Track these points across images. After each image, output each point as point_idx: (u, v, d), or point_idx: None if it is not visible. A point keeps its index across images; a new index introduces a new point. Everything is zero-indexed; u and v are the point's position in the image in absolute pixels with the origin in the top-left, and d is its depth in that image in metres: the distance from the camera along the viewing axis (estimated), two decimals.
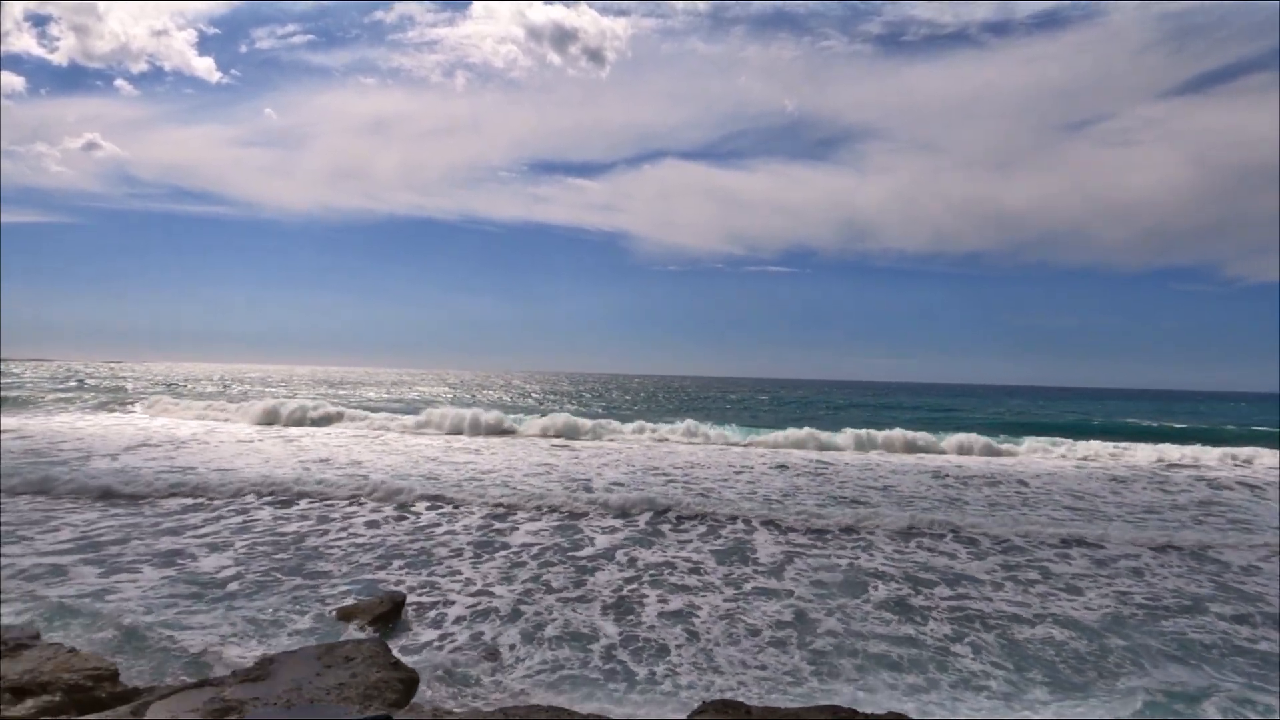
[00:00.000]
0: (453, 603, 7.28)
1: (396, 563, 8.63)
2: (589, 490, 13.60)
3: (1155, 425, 34.87)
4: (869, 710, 4.06)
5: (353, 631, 6.36)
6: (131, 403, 33.69)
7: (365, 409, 33.17)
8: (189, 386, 55.91)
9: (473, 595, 7.49)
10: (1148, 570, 8.93)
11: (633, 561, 8.91)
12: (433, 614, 6.96)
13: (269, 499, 11.79)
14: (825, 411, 46.62)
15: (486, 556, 9.04)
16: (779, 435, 22.65)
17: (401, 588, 7.63)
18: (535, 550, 9.35)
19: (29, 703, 4.23)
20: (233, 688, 4.42)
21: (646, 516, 11.29)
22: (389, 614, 6.68)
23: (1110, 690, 5.44)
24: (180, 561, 8.33)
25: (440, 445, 21.20)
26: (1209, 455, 20.30)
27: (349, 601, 7.14)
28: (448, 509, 11.54)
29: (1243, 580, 8.61)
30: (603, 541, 9.85)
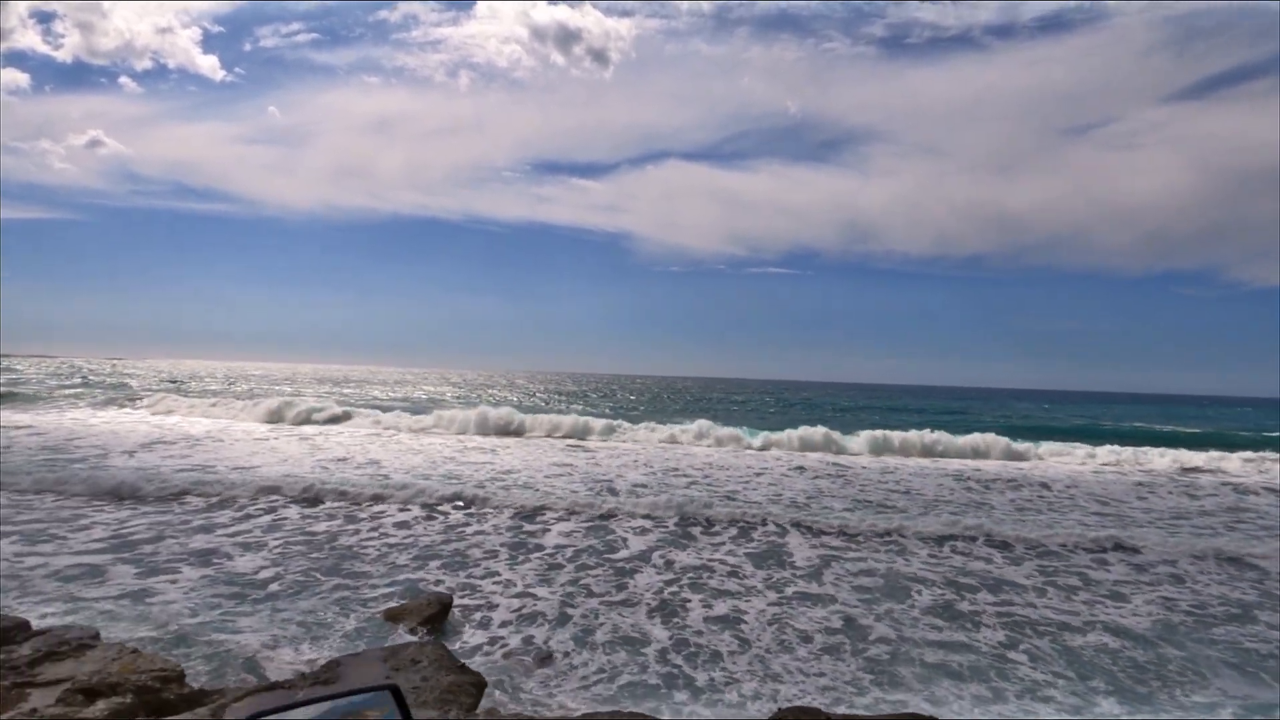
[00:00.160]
0: (496, 605, 7.22)
1: (433, 564, 8.57)
2: (614, 492, 13.55)
3: (1168, 430, 34.77)
4: (948, 719, 4.00)
5: (401, 633, 6.30)
6: (138, 399, 33.59)
7: (374, 408, 33.13)
8: (193, 384, 55.87)
9: (515, 597, 7.43)
10: (1189, 577, 8.87)
11: (669, 564, 8.85)
12: (478, 616, 6.91)
13: (294, 498, 11.72)
14: (832, 414, 46.48)
15: (522, 558, 8.98)
16: (794, 436, 22.53)
17: (441, 589, 7.57)
18: (570, 552, 9.29)
19: (100, 705, 4.17)
20: (308, 689, 4.37)
21: (676, 518, 11.23)
22: (437, 616, 6.61)
23: (1175, 700, 5.38)
24: (216, 561, 8.27)
25: (454, 445, 21.14)
26: (1230, 461, 20.20)
27: (394, 603, 7.08)
28: (475, 509, 11.48)
29: None
30: (636, 543, 9.79)
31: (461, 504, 11.73)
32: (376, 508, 11.35)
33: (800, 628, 6.70)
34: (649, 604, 7.34)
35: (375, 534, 9.92)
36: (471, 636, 6.37)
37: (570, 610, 7.04)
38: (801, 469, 17.83)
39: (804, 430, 22.41)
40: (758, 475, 16.55)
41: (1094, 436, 29.89)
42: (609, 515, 11.29)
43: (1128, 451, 20.99)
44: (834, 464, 19.21)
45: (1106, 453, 20.58)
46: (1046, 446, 21.39)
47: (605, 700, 5.13)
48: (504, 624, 6.74)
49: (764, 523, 11.09)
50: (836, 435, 22.25)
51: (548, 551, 9.31)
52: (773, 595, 7.74)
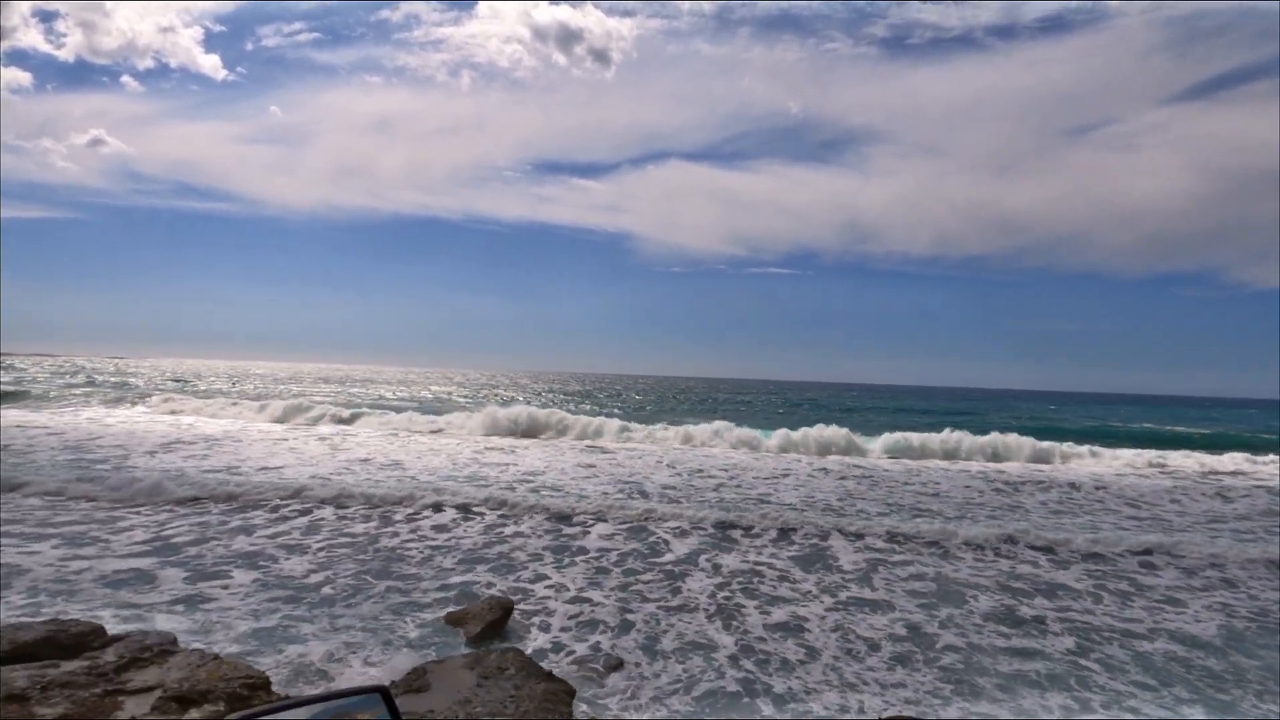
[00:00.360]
0: (553, 610, 7.14)
1: (480, 567, 8.49)
2: (644, 494, 13.48)
3: (1178, 431, 34.69)
4: None
5: (464, 638, 6.23)
6: (146, 399, 33.42)
7: (384, 408, 33.03)
8: (198, 383, 55.78)
9: (570, 602, 7.35)
10: (1241, 583, 8.80)
11: (717, 568, 8.78)
12: (537, 620, 6.83)
13: (326, 500, 11.60)
14: (839, 414, 46.36)
15: (568, 561, 8.91)
16: (812, 437, 22.44)
17: (494, 592, 7.49)
18: (614, 555, 9.22)
19: (194, 713, 4.10)
20: (402, 696, 4.30)
21: (713, 520, 11.14)
22: (499, 621, 6.53)
23: (1262, 710, 5.30)
24: (263, 564, 8.20)
25: (472, 446, 21.05)
26: (1255, 464, 20.09)
27: (450, 607, 7.01)
28: (509, 512, 11.38)
29: None
30: (679, 547, 9.72)
31: (495, 506, 11.64)
32: (409, 509, 11.26)
33: (865, 635, 6.63)
34: (706, 609, 7.27)
35: (415, 536, 9.84)
36: (535, 642, 6.29)
37: (629, 616, 6.97)
38: (825, 470, 17.76)
39: (829, 431, 22.27)
40: (783, 476, 16.48)
41: (1106, 438, 29.79)
42: (645, 517, 11.21)
43: (1150, 453, 20.91)
44: (855, 465, 19.14)
45: (1133, 455, 20.48)
46: (1068, 448, 21.28)
47: (688, 708, 5.06)
48: (564, 629, 6.67)
49: (801, 525, 11.01)
50: (859, 438, 22.13)
51: (591, 555, 9.24)
52: (828, 600, 7.67)
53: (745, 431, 24.13)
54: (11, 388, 37.79)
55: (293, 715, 1.40)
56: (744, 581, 8.28)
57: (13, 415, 24.89)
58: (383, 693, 1.52)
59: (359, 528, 10.26)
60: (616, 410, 42.38)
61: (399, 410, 30.98)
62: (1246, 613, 7.66)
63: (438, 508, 11.43)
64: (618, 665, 5.81)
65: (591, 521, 10.93)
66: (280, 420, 26.47)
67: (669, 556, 9.27)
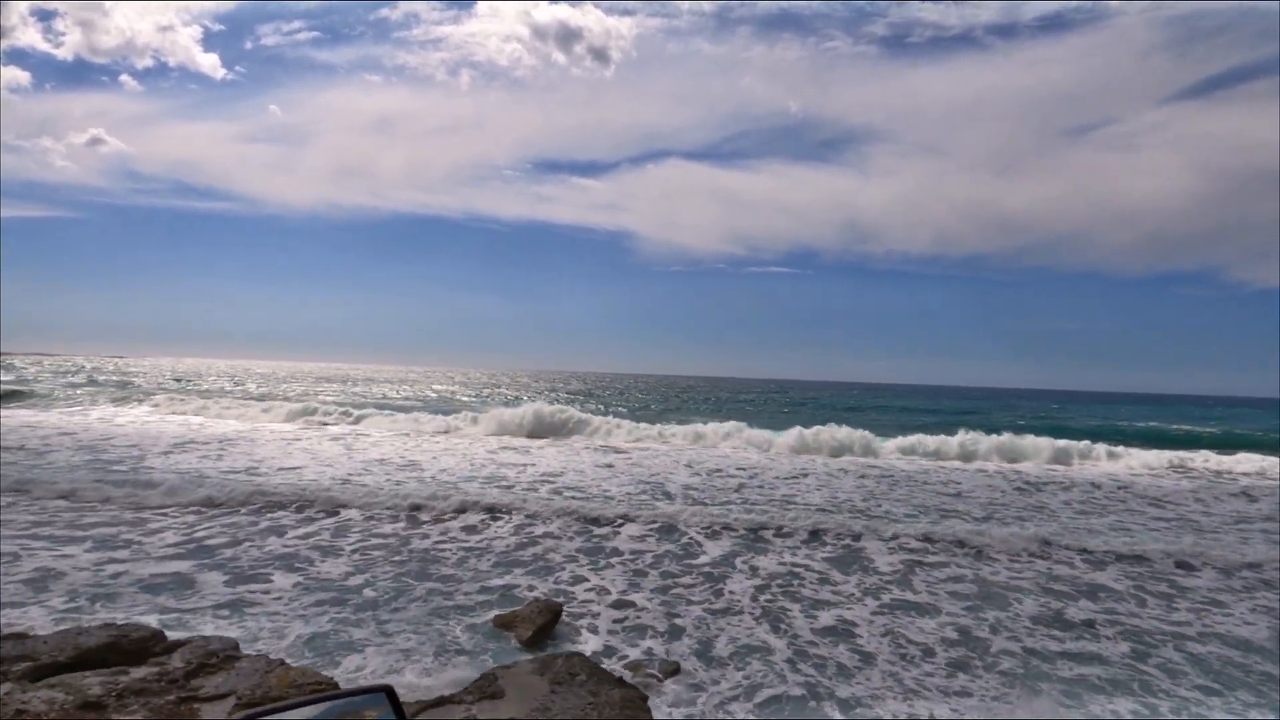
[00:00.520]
0: (597, 613, 7.08)
1: (517, 570, 8.43)
2: (668, 495, 13.43)
3: (1183, 430, 34.65)
4: None
5: (517, 641, 6.17)
6: (154, 398, 33.26)
7: (390, 408, 32.97)
8: (201, 383, 55.65)
9: (614, 606, 7.29)
10: None
11: (755, 570, 8.72)
12: (584, 623, 6.78)
13: (352, 502, 11.51)
14: (843, 414, 46.28)
15: (604, 563, 8.85)
16: (824, 437, 22.38)
17: (537, 595, 7.43)
18: (649, 557, 9.16)
19: None
20: (477, 704, 4.24)
21: (744, 521, 11.08)
22: (549, 624, 6.47)
23: None
24: (300, 566, 8.13)
25: (485, 446, 20.98)
26: (1271, 464, 20.06)
27: (494, 610, 6.95)
28: (536, 512, 11.29)
29: None
30: (712, 548, 9.66)
31: (521, 507, 11.56)
32: (435, 510, 11.18)
33: (916, 639, 6.57)
34: (751, 612, 7.21)
35: (446, 538, 9.78)
36: (586, 646, 6.22)
37: (677, 620, 6.91)
38: (844, 471, 17.71)
39: (842, 431, 22.22)
40: (803, 476, 16.44)
41: (1113, 437, 29.78)
42: (674, 518, 11.13)
43: (1167, 453, 20.87)
44: (870, 465, 19.08)
45: (1149, 455, 20.44)
46: (1086, 448, 21.19)
47: (755, 714, 5.00)
48: (612, 632, 6.61)
49: (832, 528, 10.94)
50: (874, 438, 22.07)
51: (626, 556, 9.18)
52: (872, 603, 7.61)
53: (757, 432, 24.09)
54: (15, 387, 37.65)
55: (300, 714, 1.42)
56: (783, 584, 8.22)
57: (23, 415, 24.80)
58: (388, 692, 1.54)
59: (387, 528, 10.20)
60: (621, 409, 42.31)
61: (406, 410, 30.94)
62: None
63: (463, 509, 11.35)
64: (675, 670, 5.75)
65: (620, 522, 10.87)
66: (290, 420, 26.37)
67: (704, 558, 9.22)
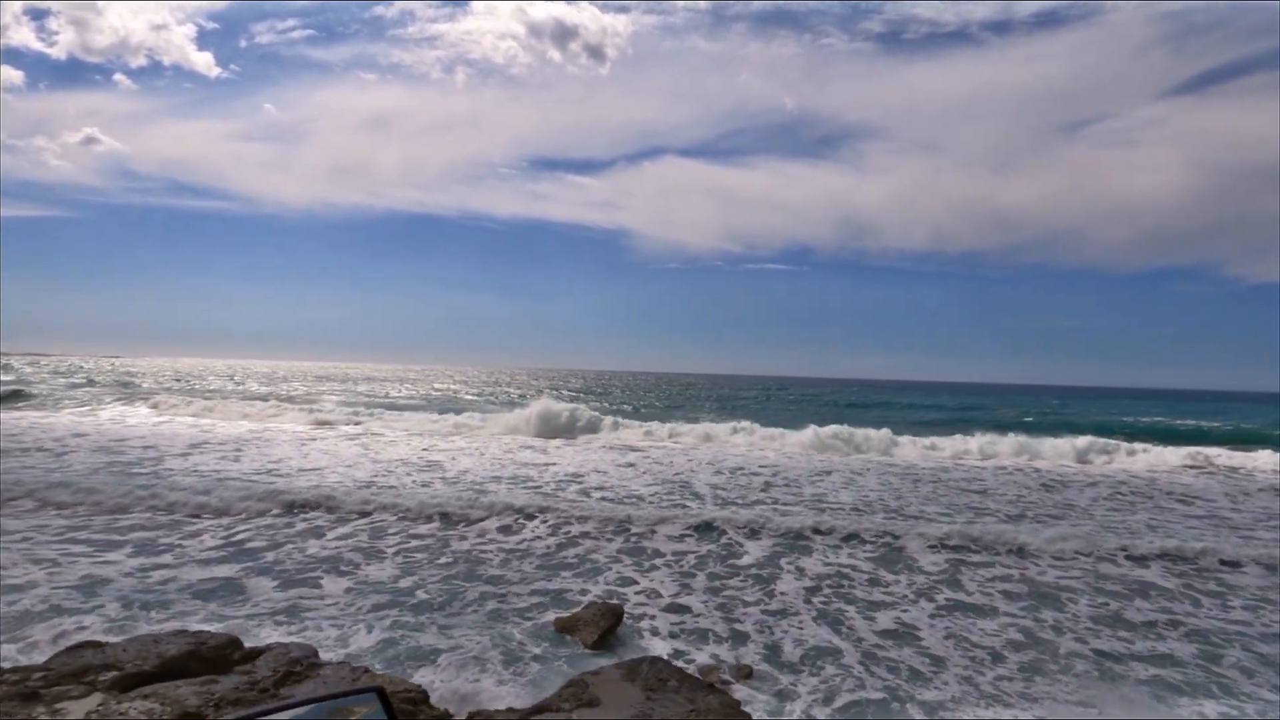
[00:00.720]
0: (654, 615, 7.02)
1: (564, 572, 8.36)
2: (697, 495, 13.36)
3: (1189, 425, 34.70)
4: None
5: (583, 645, 6.09)
6: (155, 398, 33.01)
7: (398, 408, 32.85)
8: (201, 382, 55.40)
9: (669, 609, 7.22)
10: None
11: (802, 571, 8.66)
12: (645, 626, 6.71)
13: (380, 502, 11.40)
14: (847, 410, 46.22)
15: (648, 564, 8.78)
16: (843, 435, 22.34)
17: (590, 598, 7.35)
18: (692, 559, 9.09)
19: None
20: (576, 711, 4.17)
21: (782, 522, 11.00)
22: (612, 628, 6.40)
23: None
24: (346, 570, 8.05)
25: (500, 445, 20.88)
26: None
27: (550, 612, 6.88)
28: (568, 513, 11.17)
29: None
30: (754, 549, 9.59)
31: (552, 508, 11.46)
32: (466, 510, 11.04)
33: (982, 642, 6.51)
34: (808, 614, 7.15)
35: (484, 540, 9.70)
36: (651, 649, 6.15)
37: (736, 624, 6.84)
38: (867, 469, 17.66)
39: (859, 429, 22.18)
40: (826, 475, 16.39)
41: (1120, 433, 29.81)
42: (709, 519, 11.03)
43: (1183, 449, 20.85)
44: (890, 464, 19.03)
45: (1170, 452, 20.43)
46: (1107, 445, 21.16)
47: (839, 714, 4.95)
48: (673, 635, 6.54)
49: (869, 527, 10.87)
50: (899, 437, 22.02)
51: (669, 558, 9.11)
52: (927, 605, 7.56)
53: (770, 430, 24.07)
54: (17, 387, 37.40)
55: (291, 715, 1.43)
56: (833, 584, 8.17)
57: (33, 416, 24.63)
58: (379, 692, 1.54)
59: (422, 529, 10.13)
60: (626, 407, 42.26)
61: (413, 409, 30.82)
62: None
63: (496, 510, 11.24)
64: (748, 674, 5.69)
65: (656, 523, 10.77)
66: (300, 420, 26.23)
67: (747, 559, 9.15)
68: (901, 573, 8.72)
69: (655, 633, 6.57)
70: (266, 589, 7.29)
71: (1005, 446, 20.76)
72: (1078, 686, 5.52)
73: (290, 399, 36.30)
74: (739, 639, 6.44)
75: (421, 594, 7.30)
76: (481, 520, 10.68)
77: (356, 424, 25.57)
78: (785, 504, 12.62)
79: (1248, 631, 6.92)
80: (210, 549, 8.71)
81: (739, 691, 5.36)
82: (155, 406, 29.84)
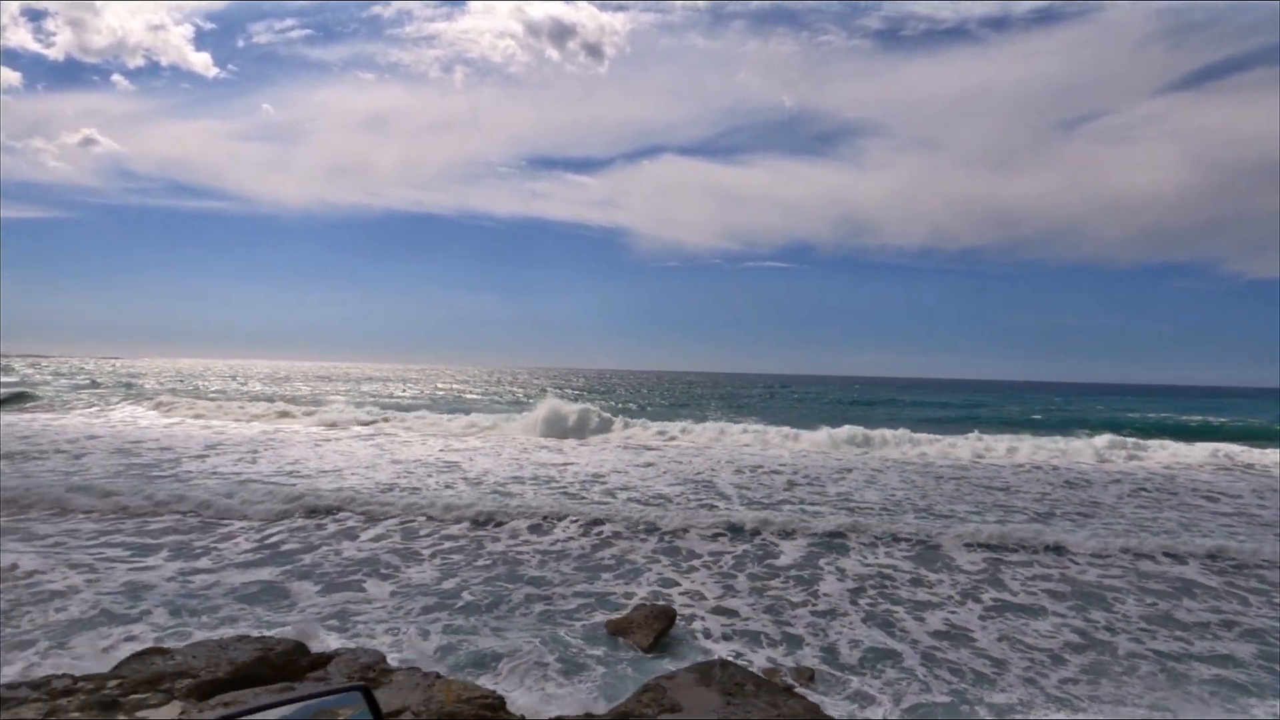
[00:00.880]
0: (703, 617, 6.96)
1: (604, 574, 8.30)
2: (723, 495, 13.30)
3: (1196, 421, 34.67)
4: None
5: (639, 648, 6.03)
6: (160, 400, 32.85)
7: (405, 408, 32.74)
8: (204, 383, 55.24)
9: (716, 611, 7.15)
10: None
11: (843, 572, 8.60)
12: (695, 628, 6.65)
13: (407, 504, 11.32)
14: (852, 408, 46.19)
15: (685, 566, 8.72)
16: (861, 434, 22.29)
17: (637, 600, 7.29)
18: (729, 559, 9.03)
19: None
20: (660, 716, 4.11)
21: (813, 523, 10.93)
22: (665, 630, 6.34)
23: None
24: (386, 573, 7.99)
25: (515, 445, 20.80)
26: None
27: (597, 614, 6.83)
28: (596, 515, 11.06)
29: None
30: (790, 549, 9.53)
31: (580, 509, 11.38)
32: (492, 510, 10.92)
33: (1037, 644, 6.45)
34: (858, 615, 7.09)
35: (517, 541, 9.64)
36: (707, 651, 6.09)
37: (787, 626, 6.78)
38: (887, 466, 17.62)
39: (874, 429, 22.14)
40: (847, 473, 16.35)
41: (1128, 429, 29.83)
42: (739, 520, 10.95)
43: (1199, 446, 20.81)
44: (907, 462, 18.98)
45: (1187, 449, 20.37)
46: (1134, 443, 21.10)
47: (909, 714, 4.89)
48: (726, 637, 6.49)
49: (903, 526, 10.82)
50: (924, 435, 21.97)
51: (705, 559, 9.05)
52: (974, 605, 7.51)
53: (783, 428, 24.03)
54: (23, 389, 37.25)
55: (276, 714, 1.42)
56: (876, 585, 8.12)
57: (44, 418, 24.54)
58: (364, 690, 1.53)
59: (453, 530, 10.07)
60: (632, 406, 42.20)
61: (419, 409, 30.68)
62: None
63: (524, 511, 11.15)
64: (810, 677, 5.63)
65: (686, 524, 10.69)
66: (310, 421, 26.11)
67: (784, 559, 9.10)
68: (941, 572, 8.67)
69: (708, 635, 6.51)
70: (310, 593, 7.22)
71: (1026, 445, 20.69)
72: (1144, 689, 5.47)
73: (295, 400, 36.17)
74: (793, 641, 6.38)
75: (467, 596, 7.24)
76: (511, 521, 10.60)
77: (367, 424, 25.43)
78: (812, 503, 12.58)
79: None
80: (246, 552, 8.65)
81: (810, 693, 5.29)
82: (159, 407, 29.69)
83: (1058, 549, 9.74)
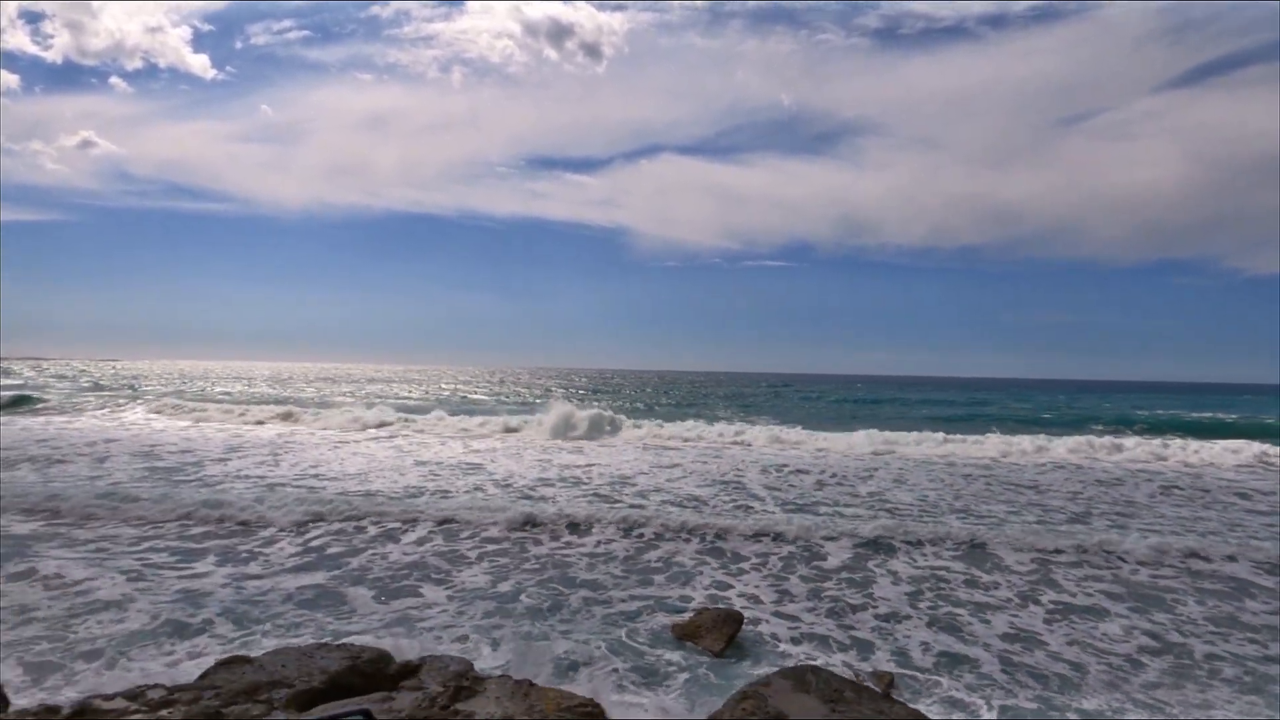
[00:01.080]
0: (767, 620, 6.88)
1: (656, 577, 8.22)
2: (755, 496, 13.22)
3: (1206, 418, 34.60)
4: None
5: (710, 653, 5.96)
6: (167, 402, 32.70)
7: (408, 409, 32.61)
8: (208, 385, 55.08)
9: (778, 615, 7.08)
10: None
11: (895, 574, 8.52)
12: (762, 631, 6.57)
13: (441, 507, 11.22)
14: (857, 406, 46.19)
15: (736, 569, 8.64)
16: (894, 436, 22.23)
17: (696, 604, 7.21)
18: (777, 562, 8.94)
19: None
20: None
21: (849, 524, 10.85)
22: (734, 633, 6.27)
23: None
24: (438, 577, 7.91)
25: (534, 447, 20.70)
26: None
27: (660, 616, 6.76)
28: (633, 517, 10.93)
29: None
30: (837, 551, 9.45)
31: (617, 512, 11.28)
32: (529, 512, 10.79)
33: (1110, 648, 6.38)
34: (920, 619, 7.02)
35: (561, 544, 9.56)
36: (778, 655, 6.01)
37: (853, 629, 6.71)
38: (914, 466, 17.55)
39: (903, 432, 22.09)
40: (874, 472, 16.29)
41: (1133, 425, 29.84)
42: (774, 520, 10.84)
43: (1216, 444, 20.74)
44: (929, 462, 18.90)
45: (1203, 446, 20.29)
46: (1157, 442, 21.04)
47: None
48: (795, 641, 6.41)
49: (945, 526, 10.74)
50: (955, 437, 21.91)
51: (754, 561, 8.97)
52: (1036, 608, 7.44)
53: (796, 429, 24.01)
54: (28, 392, 37.11)
55: None
56: (932, 587, 8.04)
57: (58, 421, 24.42)
58: (365, 715, 1.55)
59: (494, 533, 9.99)
60: (639, 406, 42.15)
61: (439, 411, 30.55)
62: None
63: (559, 514, 11.01)
64: (890, 682, 5.55)
65: (724, 526, 10.57)
66: (332, 425, 25.98)
67: (833, 561, 9.02)
68: (994, 573, 8.60)
69: (776, 639, 6.43)
70: (366, 598, 7.14)
71: (1052, 444, 20.65)
72: (1233, 693, 5.40)
73: (303, 402, 36.02)
74: (863, 646, 6.31)
75: (526, 600, 7.17)
76: (548, 524, 10.51)
77: (383, 426, 25.31)
78: (847, 504, 12.51)
79: None
80: (292, 556, 8.57)
81: (897, 695, 5.22)
82: (170, 410, 29.56)
83: (1103, 550, 9.66)
